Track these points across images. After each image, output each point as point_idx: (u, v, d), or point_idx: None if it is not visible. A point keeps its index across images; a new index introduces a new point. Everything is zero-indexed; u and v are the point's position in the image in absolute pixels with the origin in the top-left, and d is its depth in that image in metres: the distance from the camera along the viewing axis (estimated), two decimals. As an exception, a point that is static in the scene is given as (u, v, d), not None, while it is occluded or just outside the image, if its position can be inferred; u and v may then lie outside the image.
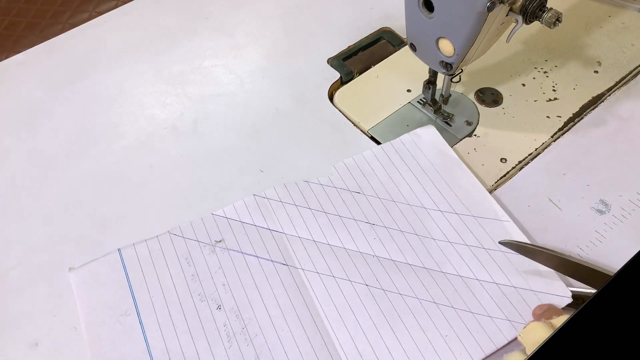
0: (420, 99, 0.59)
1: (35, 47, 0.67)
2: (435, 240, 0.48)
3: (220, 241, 0.49)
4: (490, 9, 0.41)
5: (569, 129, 0.56)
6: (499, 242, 0.46)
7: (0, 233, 0.52)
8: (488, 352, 0.42)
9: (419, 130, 0.56)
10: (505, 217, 0.49)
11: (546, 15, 0.44)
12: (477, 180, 0.52)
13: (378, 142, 0.56)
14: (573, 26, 0.65)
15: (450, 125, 0.57)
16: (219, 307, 0.45)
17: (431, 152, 0.54)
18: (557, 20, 0.44)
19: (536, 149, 0.55)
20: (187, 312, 0.45)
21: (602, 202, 0.51)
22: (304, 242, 0.49)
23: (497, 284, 0.46)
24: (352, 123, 0.58)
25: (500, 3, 0.42)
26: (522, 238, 0.48)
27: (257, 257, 0.48)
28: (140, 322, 0.45)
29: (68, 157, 0.57)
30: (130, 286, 0.47)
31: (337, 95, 0.60)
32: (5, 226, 0.52)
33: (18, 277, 0.49)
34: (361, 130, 0.58)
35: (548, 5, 0.44)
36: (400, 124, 0.58)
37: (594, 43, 0.63)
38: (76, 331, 0.45)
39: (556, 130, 0.56)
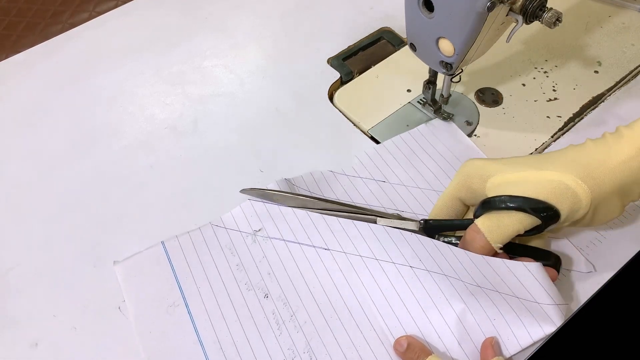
0: (420, 99, 0.59)
1: (35, 47, 0.67)
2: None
3: (260, 230, 0.49)
4: (490, 9, 0.41)
5: (569, 129, 0.56)
6: (240, 191, 0.48)
7: (0, 233, 0.52)
8: (536, 338, 0.41)
9: (435, 121, 0.57)
10: None
11: (546, 15, 0.44)
12: None
13: (378, 142, 0.56)
14: (573, 26, 0.65)
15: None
16: (266, 296, 0.46)
17: (449, 141, 0.55)
18: (557, 20, 0.44)
19: (536, 149, 0.55)
20: (235, 302, 0.46)
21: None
22: (343, 225, 0.48)
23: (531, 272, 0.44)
24: (352, 123, 0.58)
25: (500, 3, 0.42)
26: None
27: (299, 243, 0.48)
28: (189, 313, 0.45)
29: (68, 157, 0.57)
30: (176, 277, 0.47)
31: (337, 95, 0.60)
32: (5, 226, 0.52)
33: (18, 277, 0.49)
34: (361, 130, 0.58)
35: (548, 5, 0.44)
36: (400, 124, 0.57)
37: (594, 43, 0.63)
38: (76, 331, 0.45)
39: (556, 130, 0.56)
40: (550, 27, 0.44)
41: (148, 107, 0.61)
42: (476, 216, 0.43)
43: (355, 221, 0.48)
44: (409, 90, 0.60)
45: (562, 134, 0.56)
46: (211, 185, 0.54)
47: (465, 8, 0.43)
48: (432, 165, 0.53)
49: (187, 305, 0.46)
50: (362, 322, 0.44)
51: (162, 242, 0.49)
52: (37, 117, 0.60)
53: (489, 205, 0.41)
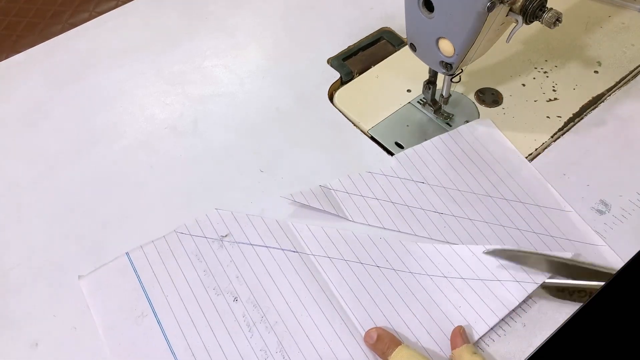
0: (420, 99, 0.59)
1: (35, 47, 0.67)
2: (505, 227, 0.49)
3: (226, 235, 0.49)
4: (490, 9, 0.41)
5: (569, 129, 0.56)
6: (483, 252, 0.47)
7: (0, 233, 0.52)
8: (501, 315, 0.44)
9: (474, 122, 0.57)
10: (568, 207, 0.50)
11: (546, 15, 0.44)
12: (536, 170, 0.53)
13: (378, 142, 0.56)
14: (573, 26, 0.65)
15: (451, 126, 0.57)
16: (235, 299, 0.46)
17: (489, 143, 0.55)
18: (557, 20, 0.44)
19: (536, 149, 0.55)
20: (204, 307, 0.46)
21: (602, 202, 0.51)
22: (311, 228, 0.49)
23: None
24: (352, 123, 0.58)
25: (500, 3, 0.42)
26: (585, 228, 0.49)
27: (267, 247, 0.48)
28: (159, 322, 0.45)
29: (68, 157, 0.57)
30: (143, 287, 0.47)
31: (337, 95, 0.60)
32: (5, 226, 0.52)
33: (18, 277, 0.49)
34: (361, 130, 0.58)
35: (548, 5, 0.44)
36: (400, 124, 0.58)
37: (594, 43, 0.63)
38: (76, 331, 0.45)
39: (556, 130, 0.56)
40: (550, 27, 0.45)
41: (148, 107, 0.61)
42: None
43: (323, 226, 0.49)
44: (409, 90, 0.60)
45: (562, 134, 0.56)
46: (211, 185, 0.54)
47: (465, 8, 0.43)
48: (471, 168, 0.53)
49: (155, 314, 0.45)
50: (332, 318, 0.45)
51: (127, 253, 0.49)
52: (37, 117, 0.60)
53: None
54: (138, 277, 0.47)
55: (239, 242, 0.49)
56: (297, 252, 0.48)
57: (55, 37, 0.68)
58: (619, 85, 0.60)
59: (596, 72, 0.61)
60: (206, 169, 0.55)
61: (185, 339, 0.44)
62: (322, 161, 0.55)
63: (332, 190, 0.52)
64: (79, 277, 0.48)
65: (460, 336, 0.42)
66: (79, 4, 0.74)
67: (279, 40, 0.67)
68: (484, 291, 0.45)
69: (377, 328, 0.43)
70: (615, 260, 0.47)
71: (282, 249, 0.48)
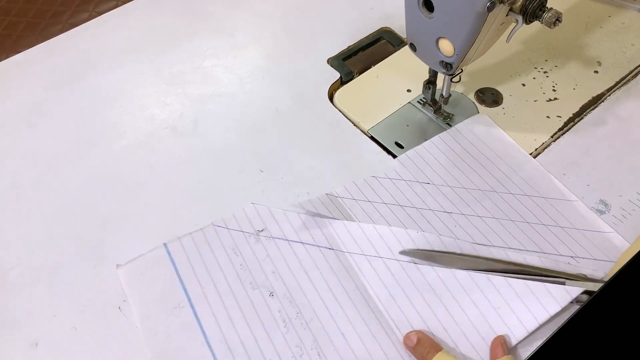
0: (420, 99, 0.59)
1: (35, 47, 0.67)
2: (515, 222, 0.49)
3: (262, 230, 0.49)
4: (490, 9, 0.41)
5: (569, 129, 0.56)
6: (399, 253, 0.47)
7: (0, 233, 0.52)
8: (541, 320, 0.43)
9: (471, 119, 0.57)
10: (573, 197, 0.50)
11: (546, 15, 0.44)
12: (538, 163, 0.53)
13: (378, 142, 0.56)
14: (573, 26, 0.65)
15: (450, 125, 0.57)
16: (271, 294, 0.46)
17: (489, 139, 0.55)
18: (557, 20, 0.44)
19: (536, 149, 0.55)
20: (240, 301, 0.46)
21: (602, 202, 0.51)
22: (346, 225, 0.49)
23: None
24: (352, 123, 0.58)
25: (500, 3, 0.42)
26: (592, 217, 0.49)
27: (303, 243, 0.48)
28: (195, 314, 0.45)
29: (68, 157, 0.57)
30: (180, 279, 0.47)
31: (337, 95, 0.60)
32: (5, 226, 0.52)
33: (18, 277, 0.49)
34: (361, 130, 0.58)
35: (548, 5, 0.44)
36: (400, 124, 0.58)
37: (594, 43, 0.63)
38: (76, 331, 0.45)
39: (556, 130, 0.56)
40: (550, 27, 0.45)
41: (148, 107, 0.61)
42: None
43: (361, 223, 0.49)
44: (409, 90, 0.60)
45: (562, 134, 0.56)
46: (211, 185, 0.54)
47: (465, 8, 0.43)
48: (475, 165, 0.53)
49: (192, 306, 0.46)
50: (368, 317, 0.44)
51: (165, 244, 0.49)
52: (37, 117, 0.60)
53: None
54: (175, 268, 0.48)
55: (275, 237, 0.49)
56: (332, 249, 0.48)
57: (55, 37, 0.68)
58: (619, 85, 0.60)
59: (596, 72, 0.61)
60: (206, 169, 0.55)
61: (221, 332, 0.44)
62: (322, 161, 0.55)
63: (338, 198, 0.52)
64: (117, 266, 0.48)
65: (501, 347, 0.41)
66: (79, 4, 0.74)
67: (279, 41, 0.67)
68: (525, 293, 0.44)
69: (417, 331, 0.43)
70: (624, 245, 0.47)
71: (317, 246, 0.48)
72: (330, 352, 0.43)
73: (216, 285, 0.47)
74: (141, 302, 0.46)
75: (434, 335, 0.43)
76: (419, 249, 0.47)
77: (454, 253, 0.47)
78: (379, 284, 0.46)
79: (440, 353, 0.41)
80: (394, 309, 0.44)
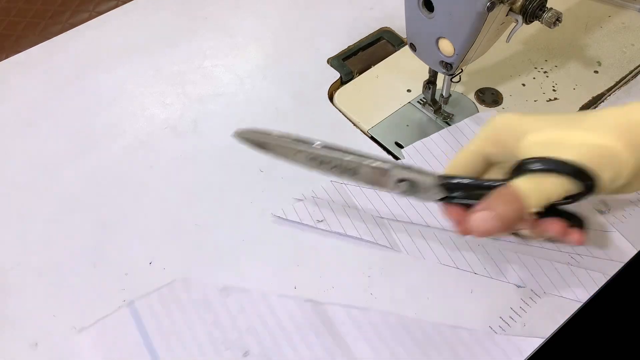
0: (420, 99, 0.59)
1: (35, 47, 0.67)
2: None
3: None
4: (490, 9, 0.41)
5: (569, 129, 0.56)
6: (232, 135, 0.42)
7: (0, 233, 0.52)
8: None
9: (480, 114, 0.57)
10: None
11: (546, 15, 0.44)
12: None
13: (378, 142, 0.56)
14: (573, 26, 0.65)
15: (450, 125, 0.57)
16: (245, 354, 0.43)
17: None
18: (557, 20, 0.44)
19: (536, 149, 0.55)
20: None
21: (602, 202, 0.51)
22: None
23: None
24: (352, 123, 0.58)
25: (500, 3, 0.42)
26: (592, 216, 0.49)
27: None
28: None
29: (68, 157, 0.57)
30: (146, 341, 0.44)
31: (337, 95, 0.60)
32: (5, 226, 0.52)
33: (18, 277, 0.49)
34: (361, 130, 0.58)
35: (548, 5, 0.44)
36: (400, 124, 0.58)
37: (594, 43, 0.63)
38: (76, 331, 0.45)
39: (556, 130, 0.56)
40: (550, 27, 0.44)
41: (148, 107, 0.61)
42: (510, 177, 0.37)
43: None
44: (409, 90, 0.60)
45: (562, 134, 0.56)
46: (211, 185, 0.54)
47: (465, 8, 0.43)
48: None
49: None
50: None
51: (130, 303, 0.46)
52: (37, 117, 0.60)
53: (528, 166, 0.35)
54: (141, 329, 0.45)
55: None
56: (311, 300, 0.45)
57: (55, 37, 0.68)
58: (619, 85, 0.60)
59: (596, 72, 0.61)
60: (206, 169, 0.55)
61: None
62: (322, 161, 0.55)
63: (343, 185, 0.52)
64: (80, 329, 0.45)
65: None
66: (79, 4, 0.74)
67: (279, 40, 0.67)
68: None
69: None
70: (626, 246, 0.47)
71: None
72: None
73: (185, 345, 0.43)
74: None
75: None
76: (251, 130, 0.43)
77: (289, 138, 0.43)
78: (358, 338, 0.43)
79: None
80: None
